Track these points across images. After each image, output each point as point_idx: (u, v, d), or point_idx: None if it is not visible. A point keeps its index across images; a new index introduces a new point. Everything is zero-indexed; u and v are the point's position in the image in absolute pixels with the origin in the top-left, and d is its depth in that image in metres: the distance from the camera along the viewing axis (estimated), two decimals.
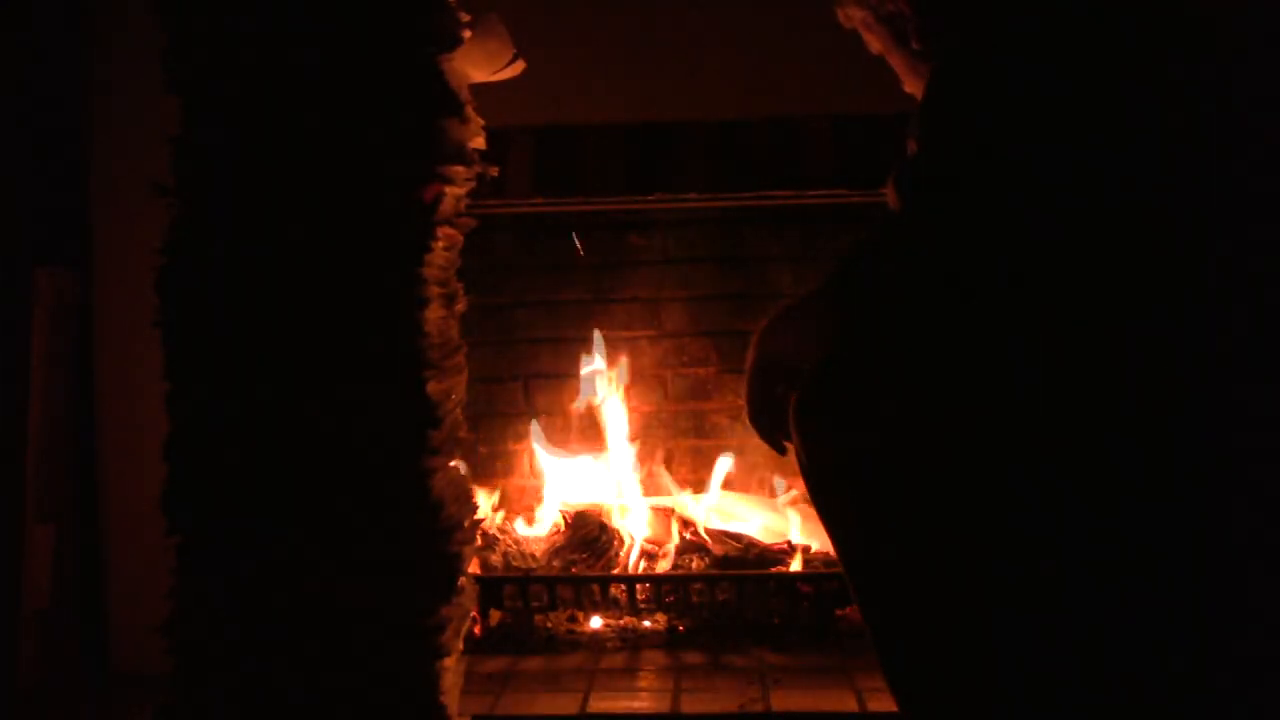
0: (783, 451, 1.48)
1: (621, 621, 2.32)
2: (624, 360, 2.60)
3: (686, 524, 2.43)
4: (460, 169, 1.57)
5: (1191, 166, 1.32)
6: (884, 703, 1.87)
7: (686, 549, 2.38)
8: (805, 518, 2.42)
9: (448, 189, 1.55)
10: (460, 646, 1.60)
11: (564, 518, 2.45)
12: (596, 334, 2.58)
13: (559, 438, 2.63)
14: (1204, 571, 1.28)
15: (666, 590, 2.30)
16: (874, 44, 1.58)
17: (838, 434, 1.39)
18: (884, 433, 1.35)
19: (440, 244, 1.55)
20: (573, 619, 2.32)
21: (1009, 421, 1.30)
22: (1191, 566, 1.28)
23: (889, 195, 1.37)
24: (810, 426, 1.40)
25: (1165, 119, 1.32)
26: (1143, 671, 1.29)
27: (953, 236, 1.31)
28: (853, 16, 1.57)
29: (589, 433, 2.62)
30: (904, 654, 1.38)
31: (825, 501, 1.43)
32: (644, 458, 2.60)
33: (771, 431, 1.47)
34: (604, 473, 2.53)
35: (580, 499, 2.50)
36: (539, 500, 2.57)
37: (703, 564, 2.35)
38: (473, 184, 1.63)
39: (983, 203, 1.30)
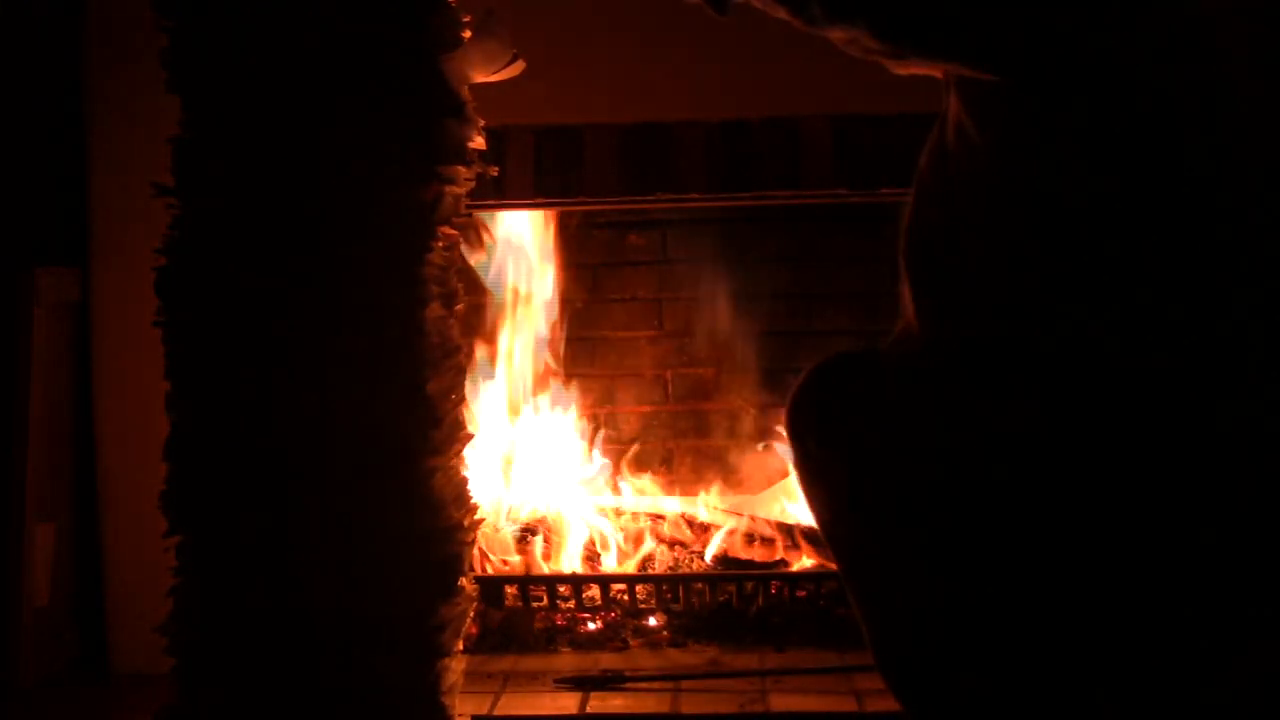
0: None
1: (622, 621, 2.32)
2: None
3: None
4: (460, 169, 1.57)
5: None
6: (884, 703, 1.87)
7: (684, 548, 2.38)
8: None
9: (448, 189, 1.55)
10: (460, 646, 1.60)
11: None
12: None
13: None
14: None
15: (666, 590, 2.30)
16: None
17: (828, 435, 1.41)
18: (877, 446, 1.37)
19: (440, 244, 1.55)
20: (573, 619, 2.32)
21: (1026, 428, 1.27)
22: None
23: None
24: (805, 421, 1.42)
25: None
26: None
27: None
28: None
29: None
30: (879, 631, 1.41)
31: (808, 489, 1.47)
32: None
33: None
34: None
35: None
36: None
37: (703, 564, 2.35)
38: (473, 184, 1.63)
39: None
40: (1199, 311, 1.23)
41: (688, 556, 2.38)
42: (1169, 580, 1.24)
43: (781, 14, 1.39)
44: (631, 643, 2.28)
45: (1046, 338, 1.27)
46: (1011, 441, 1.27)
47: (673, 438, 2.67)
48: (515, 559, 2.34)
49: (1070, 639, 1.28)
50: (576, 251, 2.66)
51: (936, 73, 1.39)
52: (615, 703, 2.00)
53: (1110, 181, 1.25)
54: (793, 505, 2.46)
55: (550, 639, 2.29)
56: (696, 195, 2.36)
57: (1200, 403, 1.22)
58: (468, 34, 1.56)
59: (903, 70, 1.41)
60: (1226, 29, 1.28)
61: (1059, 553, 1.26)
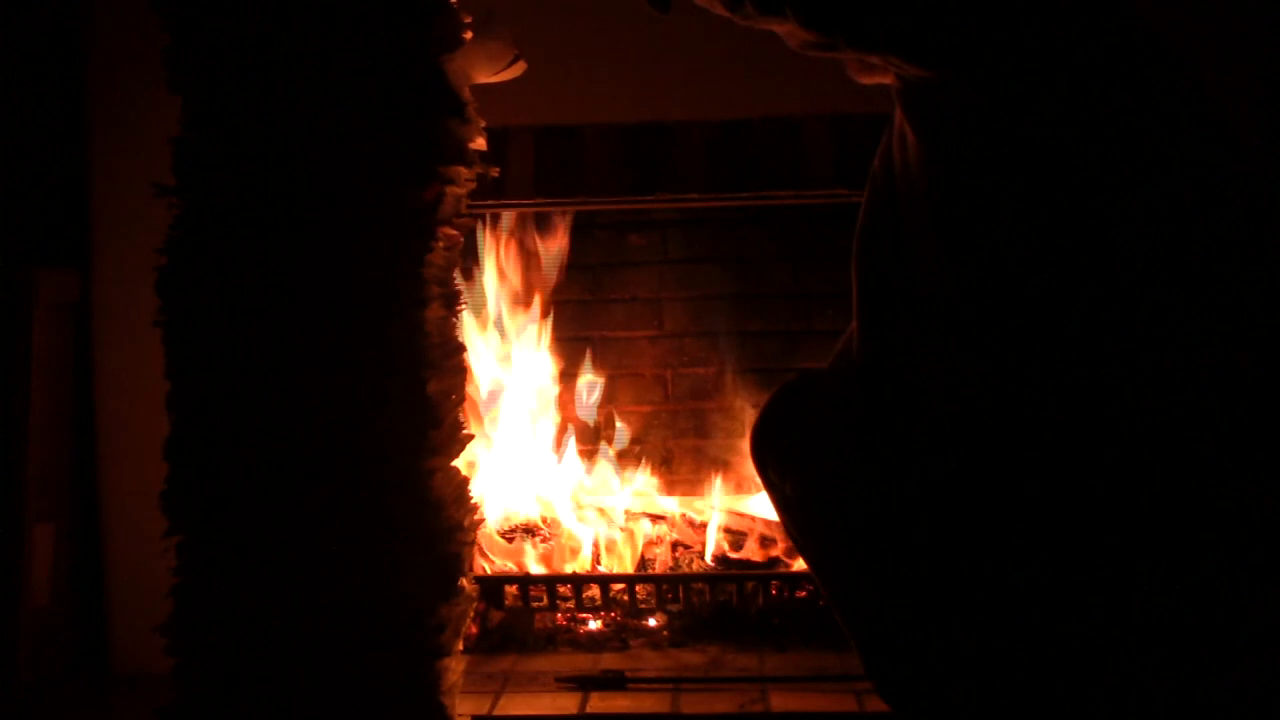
0: None
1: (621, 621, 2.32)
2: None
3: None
4: (461, 169, 1.57)
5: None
6: (883, 703, 1.88)
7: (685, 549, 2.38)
8: None
9: (448, 189, 1.55)
10: (460, 646, 1.60)
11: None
12: None
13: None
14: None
15: (666, 590, 2.30)
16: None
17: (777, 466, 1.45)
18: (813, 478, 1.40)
19: (440, 244, 1.55)
20: (573, 619, 2.32)
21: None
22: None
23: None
24: (763, 451, 1.47)
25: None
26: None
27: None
28: None
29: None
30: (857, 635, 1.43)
31: (777, 513, 1.51)
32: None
33: None
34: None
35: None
36: None
37: (703, 564, 2.35)
38: (473, 184, 1.63)
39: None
40: (1177, 313, 1.22)
41: (688, 556, 2.38)
42: (1169, 583, 1.24)
43: (720, 10, 1.39)
44: (632, 643, 2.28)
45: (980, 348, 1.26)
46: (973, 451, 1.26)
47: (673, 438, 2.67)
48: (509, 565, 2.34)
49: (1065, 644, 1.28)
50: (576, 251, 2.66)
51: (887, 79, 1.38)
52: (615, 703, 2.00)
53: (1041, 183, 1.24)
54: None
55: (550, 639, 2.29)
56: (696, 195, 2.36)
57: (1196, 406, 1.22)
58: (469, 34, 1.56)
59: (866, 79, 1.41)
60: (1186, 27, 1.28)
61: (1047, 560, 1.26)
